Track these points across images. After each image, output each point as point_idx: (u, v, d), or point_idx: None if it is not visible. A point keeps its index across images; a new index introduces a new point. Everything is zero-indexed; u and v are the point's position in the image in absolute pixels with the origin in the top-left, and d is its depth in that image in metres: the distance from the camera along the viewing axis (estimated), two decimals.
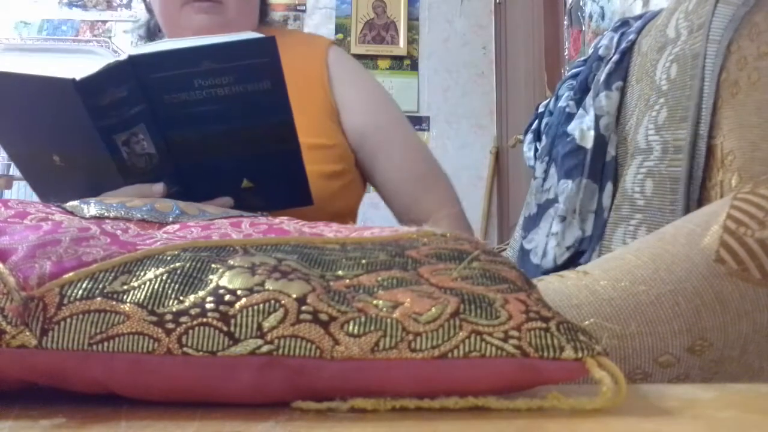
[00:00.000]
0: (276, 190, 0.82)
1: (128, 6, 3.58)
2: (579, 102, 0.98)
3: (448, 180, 1.07)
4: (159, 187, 0.75)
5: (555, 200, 0.94)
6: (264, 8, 1.17)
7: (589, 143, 0.88)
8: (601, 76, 0.92)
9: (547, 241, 0.89)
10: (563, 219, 0.88)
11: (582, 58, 1.10)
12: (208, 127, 0.74)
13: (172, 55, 0.71)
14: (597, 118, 0.89)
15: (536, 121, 1.20)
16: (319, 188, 0.89)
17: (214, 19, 1.00)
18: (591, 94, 0.93)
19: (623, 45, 0.93)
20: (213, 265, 0.33)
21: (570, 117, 0.98)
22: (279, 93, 0.72)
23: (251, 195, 0.80)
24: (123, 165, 0.73)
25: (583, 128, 0.90)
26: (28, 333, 0.30)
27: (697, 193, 0.70)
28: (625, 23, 1.00)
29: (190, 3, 1.00)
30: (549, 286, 0.53)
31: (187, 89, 0.71)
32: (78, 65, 0.70)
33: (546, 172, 1.04)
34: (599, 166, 0.89)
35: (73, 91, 0.67)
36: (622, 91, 0.90)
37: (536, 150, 1.18)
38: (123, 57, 0.70)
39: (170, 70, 0.70)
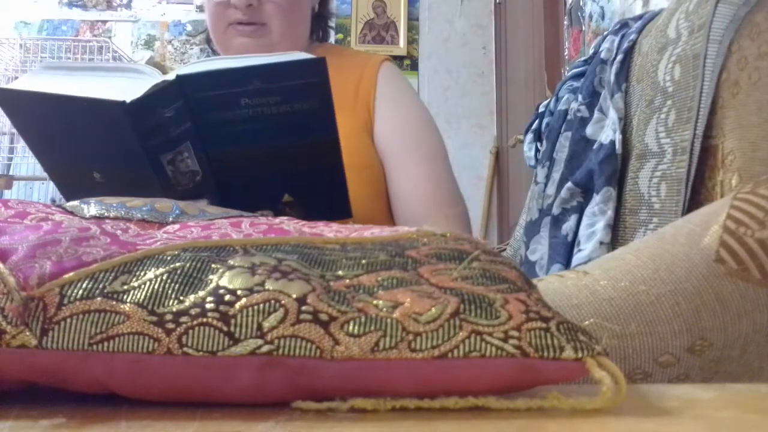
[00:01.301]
0: (316, 203, 0.81)
1: (128, 6, 3.58)
2: (589, 106, 0.97)
3: (462, 216, 1.05)
4: (202, 204, 0.74)
5: (570, 209, 0.92)
6: (322, 27, 1.17)
7: (620, 148, 0.87)
8: (611, 77, 0.92)
9: (593, 248, 0.86)
10: (611, 226, 0.86)
11: (582, 59, 1.10)
12: (252, 145, 0.74)
13: (221, 75, 0.70)
14: (618, 121, 0.88)
15: (537, 121, 1.20)
16: (364, 210, 0.89)
17: (257, 42, 1.01)
18: (605, 96, 0.93)
19: (625, 45, 0.93)
20: (213, 265, 0.33)
21: (583, 121, 0.96)
22: (326, 112, 0.72)
23: (290, 207, 0.80)
24: (168, 183, 0.73)
25: (615, 132, 0.89)
26: (28, 333, 0.30)
27: (697, 193, 0.70)
28: (624, 25, 1.00)
29: (234, 26, 1.01)
30: (549, 286, 0.53)
31: (233, 108, 0.70)
32: (122, 84, 0.69)
33: (547, 177, 1.04)
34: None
35: (123, 114, 0.66)
36: (626, 92, 0.90)
37: (537, 150, 1.18)
38: (171, 77, 0.69)
39: (218, 89, 0.70)
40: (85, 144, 0.76)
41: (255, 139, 0.73)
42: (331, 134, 0.74)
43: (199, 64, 0.73)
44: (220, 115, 0.71)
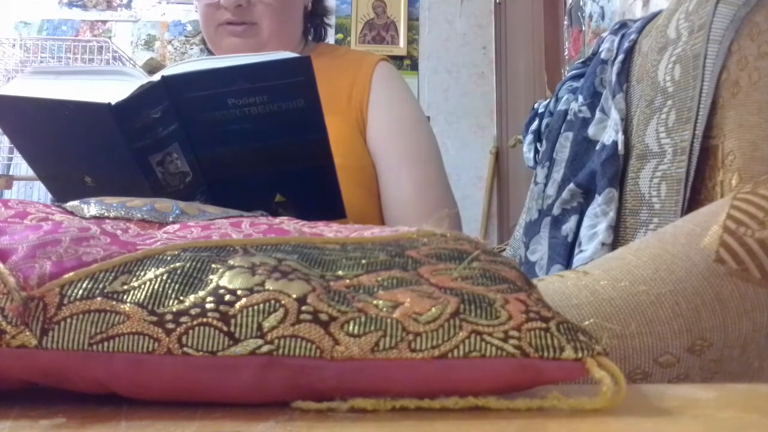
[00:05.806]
0: (309, 204, 0.81)
1: (128, 6, 3.58)
2: (590, 106, 0.97)
3: (452, 220, 1.03)
4: (202, 204, 0.74)
5: (570, 210, 0.92)
6: (317, 25, 1.16)
7: (622, 149, 0.87)
8: (612, 77, 0.92)
9: (595, 249, 0.86)
10: (613, 228, 0.85)
11: (581, 59, 1.10)
12: (241, 145, 0.74)
13: (206, 75, 0.70)
14: (620, 121, 0.88)
15: (536, 122, 1.20)
16: (357, 211, 0.89)
17: (247, 41, 1.01)
18: (607, 96, 0.93)
19: (625, 45, 0.93)
20: (213, 265, 0.33)
21: (585, 122, 0.96)
22: (313, 111, 0.71)
23: (283, 209, 0.79)
24: (157, 185, 0.73)
25: (617, 133, 0.88)
26: (28, 333, 0.30)
27: (697, 193, 0.70)
28: (624, 25, 1.00)
29: (223, 25, 1.01)
30: (549, 286, 0.53)
31: (220, 108, 0.70)
32: (110, 87, 0.69)
33: (547, 177, 1.04)
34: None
35: (109, 116, 0.66)
36: (626, 92, 0.90)
37: (536, 151, 1.18)
38: (157, 78, 0.69)
39: (204, 89, 0.70)
40: (75, 148, 0.75)
41: (243, 139, 0.73)
42: (320, 134, 0.74)
43: (184, 64, 0.73)
44: (208, 116, 0.71)
